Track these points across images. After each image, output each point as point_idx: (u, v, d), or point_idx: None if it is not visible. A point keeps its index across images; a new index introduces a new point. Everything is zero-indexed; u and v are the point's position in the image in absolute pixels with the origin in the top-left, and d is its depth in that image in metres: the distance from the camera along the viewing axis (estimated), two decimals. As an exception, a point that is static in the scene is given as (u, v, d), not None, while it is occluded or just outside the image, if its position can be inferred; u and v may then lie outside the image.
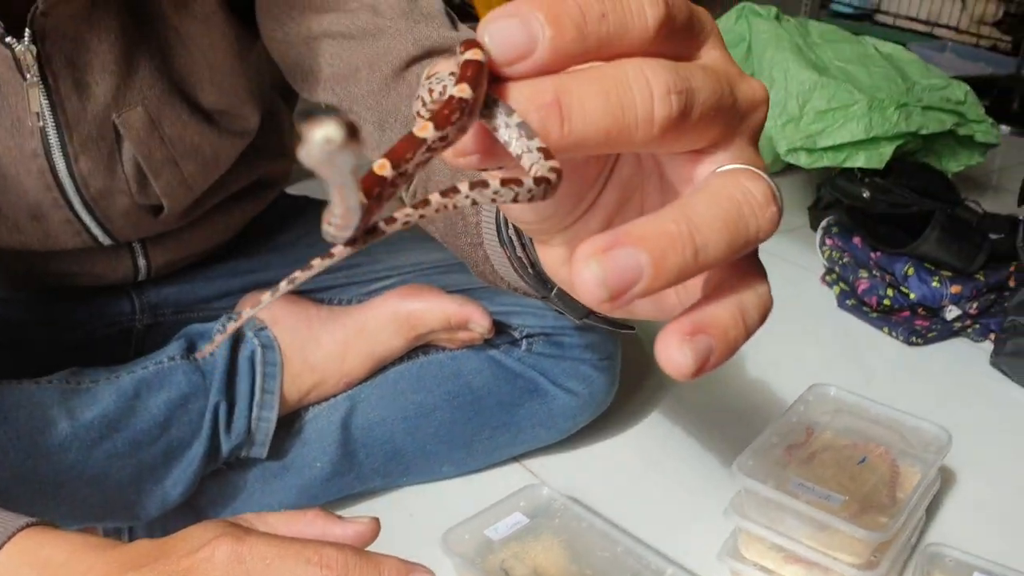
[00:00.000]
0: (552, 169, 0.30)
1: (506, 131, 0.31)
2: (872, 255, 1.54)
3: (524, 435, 1.10)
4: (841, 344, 1.49)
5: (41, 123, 0.81)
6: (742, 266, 0.35)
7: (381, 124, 0.81)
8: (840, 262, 1.60)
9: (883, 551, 0.91)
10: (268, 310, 1.03)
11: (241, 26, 0.89)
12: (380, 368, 1.04)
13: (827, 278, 1.63)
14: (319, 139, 0.28)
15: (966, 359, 1.46)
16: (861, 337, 1.51)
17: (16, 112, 0.81)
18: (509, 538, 0.98)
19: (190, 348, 0.98)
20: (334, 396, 1.03)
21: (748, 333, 0.34)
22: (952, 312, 1.47)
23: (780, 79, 1.67)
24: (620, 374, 1.17)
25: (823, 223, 1.67)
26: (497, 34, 0.30)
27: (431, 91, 0.34)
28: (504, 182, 0.31)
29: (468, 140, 0.32)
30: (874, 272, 1.54)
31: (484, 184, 0.31)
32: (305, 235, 1.15)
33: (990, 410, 1.34)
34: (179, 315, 1.07)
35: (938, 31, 3.34)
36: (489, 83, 0.31)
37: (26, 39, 0.77)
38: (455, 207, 0.32)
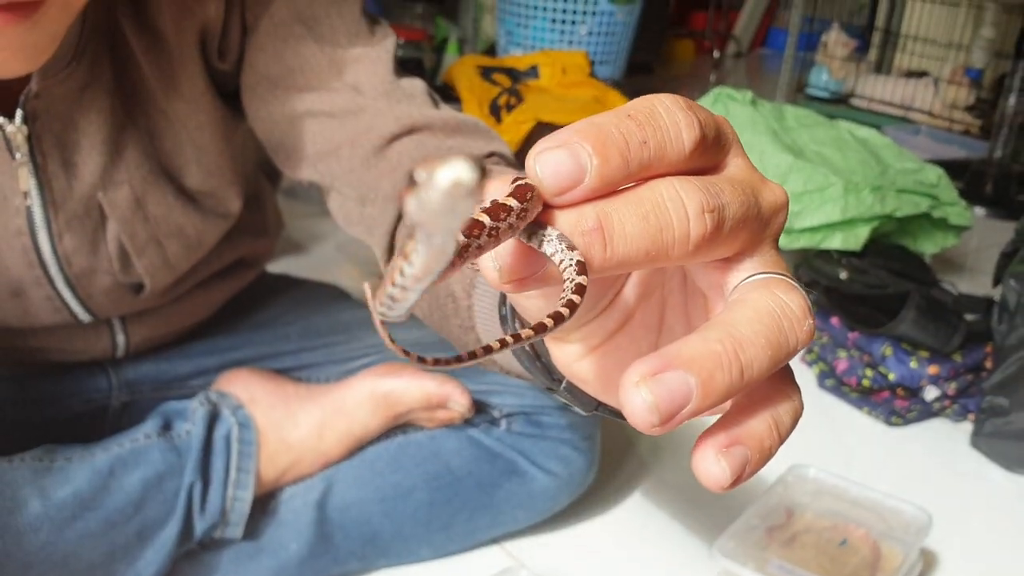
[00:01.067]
0: (578, 286, 0.30)
1: (549, 245, 0.31)
2: (850, 335, 1.55)
3: (503, 517, 1.09)
4: (821, 424, 1.49)
5: (28, 202, 0.81)
6: (776, 375, 0.35)
7: (362, 200, 0.82)
8: (819, 342, 1.61)
9: (865, 635, 0.90)
10: (246, 388, 1.03)
11: (227, 107, 0.90)
12: (358, 447, 1.03)
13: (807, 358, 1.64)
14: (446, 183, 0.24)
15: (946, 439, 1.46)
16: (841, 417, 1.51)
17: (3, 191, 0.81)
18: (487, 622, 0.96)
19: (166, 426, 0.97)
20: (311, 476, 1.02)
21: (781, 441, 0.34)
22: (931, 392, 1.48)
23: (757, 162, 1.69)
24: (601, 455, 1.17)
25: (801, 303, 1.68)
26: (548, 166, 0.31)
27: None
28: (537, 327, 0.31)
29: (516, 262, 0.32)
30: (852, 352, 1.55)
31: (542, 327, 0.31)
32: (284, 314, 1.15)
33: (971, 491, 1.34)
34: (156, 392, 1.06)
35: (912, 115, 3.42)
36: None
37: (17, 119, 0.78)
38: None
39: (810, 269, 1.71)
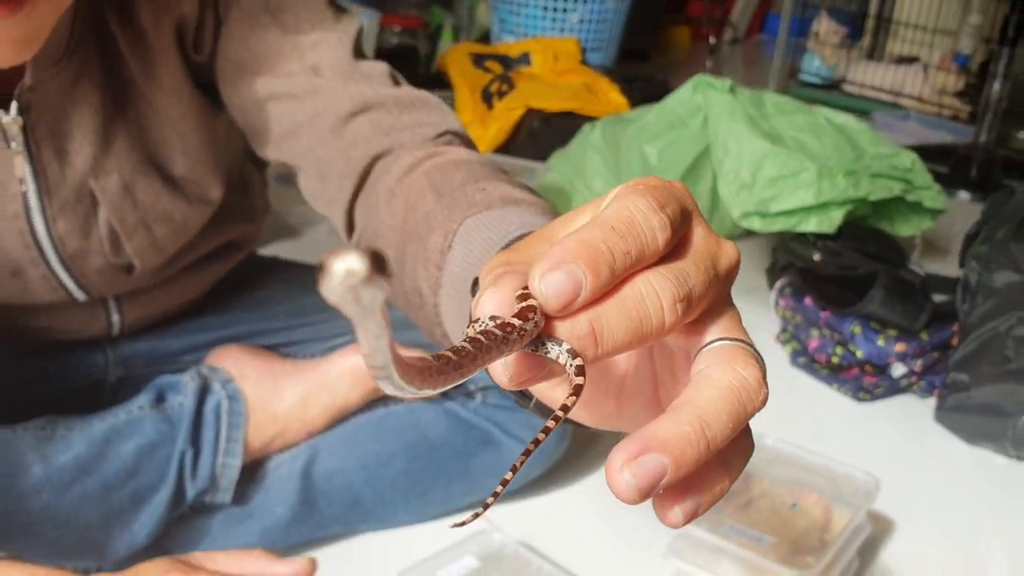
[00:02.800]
0: (578, 386, 0.37)
1: (552, 352, 0.37)
2: (822, 314, 1.61)
3: (479, 484, 1.15)
4: (793, 400, 1.55)
5: (24, 188, 0.88)
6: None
7: (321, 177, 0.86)
8: (793, 322, 1.67)
9: (812, 591, 0.96)
10: (235, 364, 1.09)
11: (207, 98, 0.96)
12: (340, 418, 1.10)
13: (780, 337, 1.70)
14: (340, 273, 0.27)
15: (912, 414, 1.52)
16: (812, 393, 1.57)
17: (0, 178, 0.87)
18: (460, 581, 1.03)
19: (159, 399, 1.03)
20: (296, 445, 1.08)
21: (729, 478, 0.40)
22: (898, 369, 1.54)
23: (734, 148, 1.76)
24: (575, 429, 1.23)
25: (777, 284, 1.75)
26: (551, 288, 0.37)
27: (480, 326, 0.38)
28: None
29: (522, 369, 0.38)
30: (824, 331, 1.61)
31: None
32: (272, 294, 1.21)
33: (933, 463, 1.40)
34: (150, 368, 1.12)
35: (902, 100, 3.46)
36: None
37: (13, 111, 0.84)
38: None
39: (786, 251, 1.77)
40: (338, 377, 1.08)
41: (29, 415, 0.96)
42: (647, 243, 0.38)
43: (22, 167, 0.87)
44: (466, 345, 0.36)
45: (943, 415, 1.47)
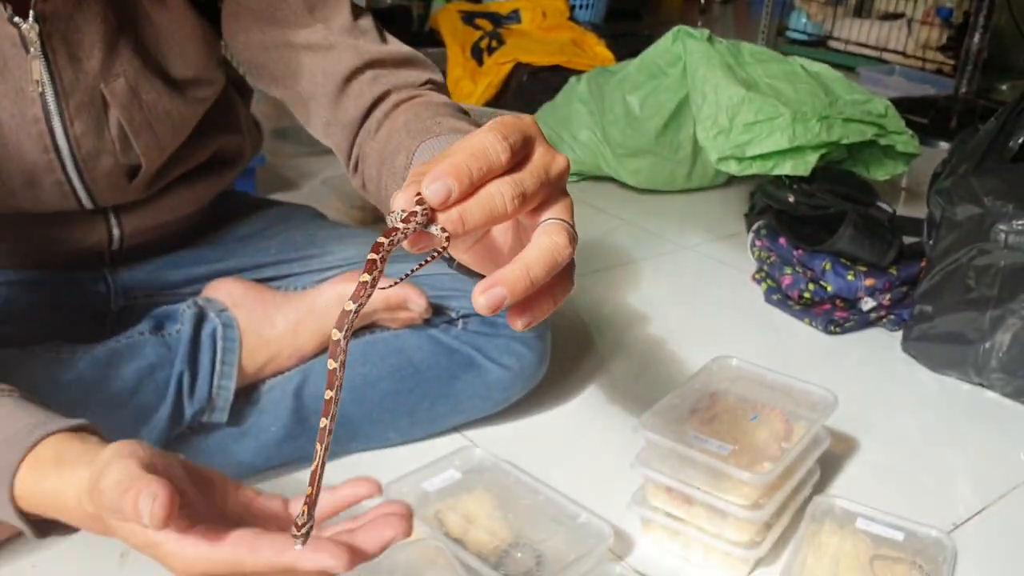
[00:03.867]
0: (444, 248, 0.56)
1: (435, 229, 0.56)
2: (795, 253, 1.67)
3: (462, 405, 1.22)
4: (766, 335, 1.62)
5: (41, 90, 0.96)
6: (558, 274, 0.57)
7: (327, 124, 1.00)
8: (768, 261, 1.73)
9: (770, 495, 1.03)
10: (229, 295, 1.16)
11: (204, 18, 1.05)
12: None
13: (756, 276, 1.76)
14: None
15: (880, 346, 1.59)
16: (785, 328, 1.63)
17: (19, 83, 0.95)
18: (443, 491, 1.09)
19: (158, 326, 1.10)
20: (288, 369, 1.15)
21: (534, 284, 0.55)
22: (868, 303, 1.60)
23: (711, 94, 1.81)
24: (560, 354, 1.30)
25: (754, 227, 1.81)
26: (432, 193, 0.54)
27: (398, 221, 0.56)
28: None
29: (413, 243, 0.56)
30: (797, 268, 1.67)
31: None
32: (265, 229, 1.27)
33: (896, 389, 1.47)
34: (149, 299, 1.18)
35: (887, 55, 3.51)
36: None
37: (30, 19, 0.93)
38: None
39: (763, 194, 1.83)
40: (326, 305, 1.15)
41: (37, 342, 1.03)
42: (494, 162, 0.56)
43: (40, 71, 0.95)
44: (382, 241, 0.56)
45: (909, 345, 1.54)
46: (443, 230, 0.55)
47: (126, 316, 1.17)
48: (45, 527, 0.70)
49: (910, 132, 1.94)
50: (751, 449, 1.06)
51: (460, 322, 1.21)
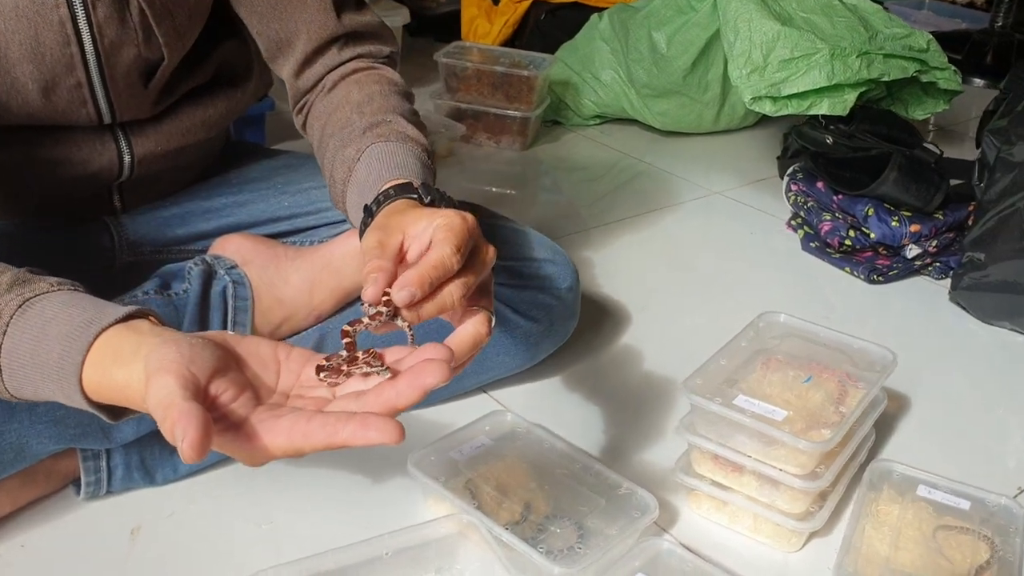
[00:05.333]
0: (412, 337, 0.72)
1: (401, 323, 0.70)
2: (835, 198, 1.58)
3: (489, 362, 1.14)
4: (804, 284, 1.54)
5: None
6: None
7: (292, 71, 1.04)
8: (804, 207, 1.64)
9: (827, 463, 0.96)
10: (238, 251, 1.07)
11: None
12: (348, 302, 1.08)
13: (792, 223, 1.67)
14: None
15: (926, 296, 1.50)
16: (824, 277, 1.55)
17: None
18: (474, 460, 1.02)
19: (164, 286, 1.02)
20: (304, 329, 1.07)
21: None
22: (912, 251, 1.52)
23: (744, 29, 1.70)
24: (587, 313, 1.22)
25: (789, 170, 1.71)
26: (401, 298, 0.67)
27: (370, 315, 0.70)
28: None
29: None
30: (836, 214, 1.58)
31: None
32: (276, 179, 1.19)
33: (947, 342, 1.39)
34: (156, 255, 1.10)
35: (916, -11, 3.37)
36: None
37: None
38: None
39: (798, 136, 1.73)
40: (343, 259, 1.06)
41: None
42: (449, 271, 0.70)
43: None
44: (348, 329, 0.71)
45: (958, 295, 1.45)
46: (409, 325, 0.70)
47: (131, 274, 1.09)
48: (118, 411, 0.69)
49: (952, 68, 1.83)
50: (806, 413, 0.98)
51: (487, 275, 1.14)
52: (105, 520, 0.96)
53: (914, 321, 1.44)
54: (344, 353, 0.68)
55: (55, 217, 1.06)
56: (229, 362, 0.65)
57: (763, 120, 2.16)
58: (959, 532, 0.97)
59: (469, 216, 0.74)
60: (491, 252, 0.75)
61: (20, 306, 0.68)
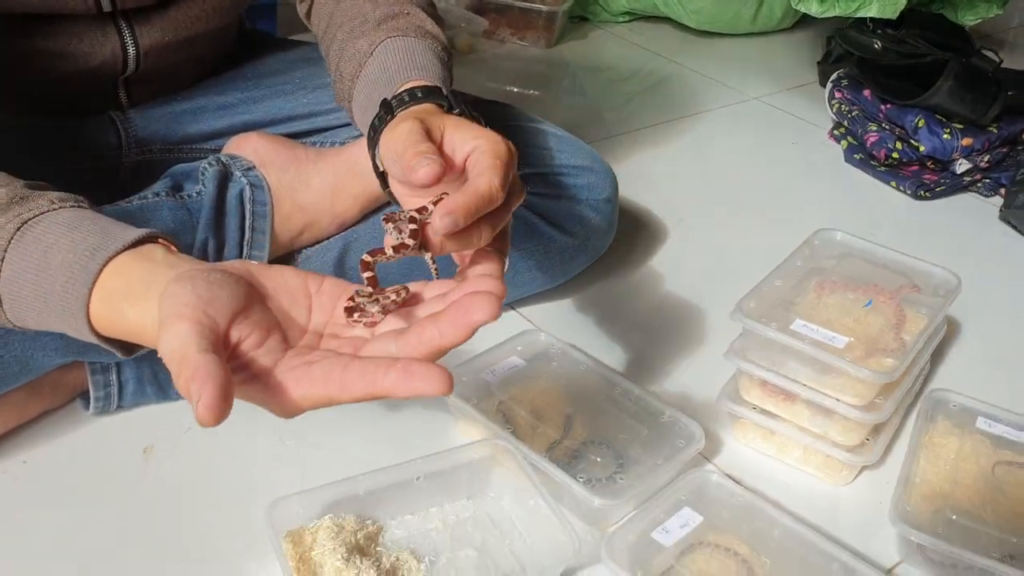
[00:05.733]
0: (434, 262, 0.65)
1: (428, 259, 0.63)
2: (882, 107, 1.49)
3: (520, 278, 1.07)
4: (847, 198, 1.46)
5: None
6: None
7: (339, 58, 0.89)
8: (849, 116, 1.55)
9: (886, 394, 0.89)
10: (255, 152, 0.99)
11: None
12: (373, 208, 1.01)
13: (835, 132, 1.58)
14: None
15: (975, 213, 1.43)
16: (868, 191, 1.47)
17: None
18: (506, 381, 0.96)
19: (176, 187, 0.94)
20: (327, 238, 1.00)
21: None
22: (962, 165, 1.43)
23: (793, -78, 1.59)
24: (620, 225, 1.15)
25: (832, 76, 1.62)
26: (442, 224, 0.58)
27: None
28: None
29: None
30: (883, 125, 1.49)
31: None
32: (293, 73, 1.10)
33: (998, 263, 1.32)
34: (166, 154, 1.03)
35: None
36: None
37: None
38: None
39: (843, 40, 1.63)
40: (369, 162, 0.98)
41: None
42: (492, 205, 0.62)
43: None
44: (369, 260, 0.61)
45: (1011, 213, 1.37)
46: (431, 256, 0.63)
47: (139, 174, 1.01)
48: (131, 346, 0.62)
49: (1010, -31, 1.72)
50: (865, 340, 0.91)
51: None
52: (115, 437, 0.91)
53: (962, 241, 1.36)
54: (369, 289, 0.59)
55: (57, 115, 0.98)
56: (253, 299, 0.56)
57: (800, 22, 2.04)
58: (1020, 468, 0.91)
59: (511, 144, 0.66)
60: (522, 192, 0.68)
61: (19, 228, 0.60)
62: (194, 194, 0.94)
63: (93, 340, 0.60)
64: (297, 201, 0.98)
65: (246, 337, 0.54)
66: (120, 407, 0.92)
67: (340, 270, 0.99)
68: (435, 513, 0.86)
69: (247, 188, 0.96)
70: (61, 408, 0.93)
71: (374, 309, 0.57)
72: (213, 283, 0.54)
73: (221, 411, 0.48)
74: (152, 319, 0.54)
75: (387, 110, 0.74)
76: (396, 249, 0.60)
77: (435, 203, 0.62)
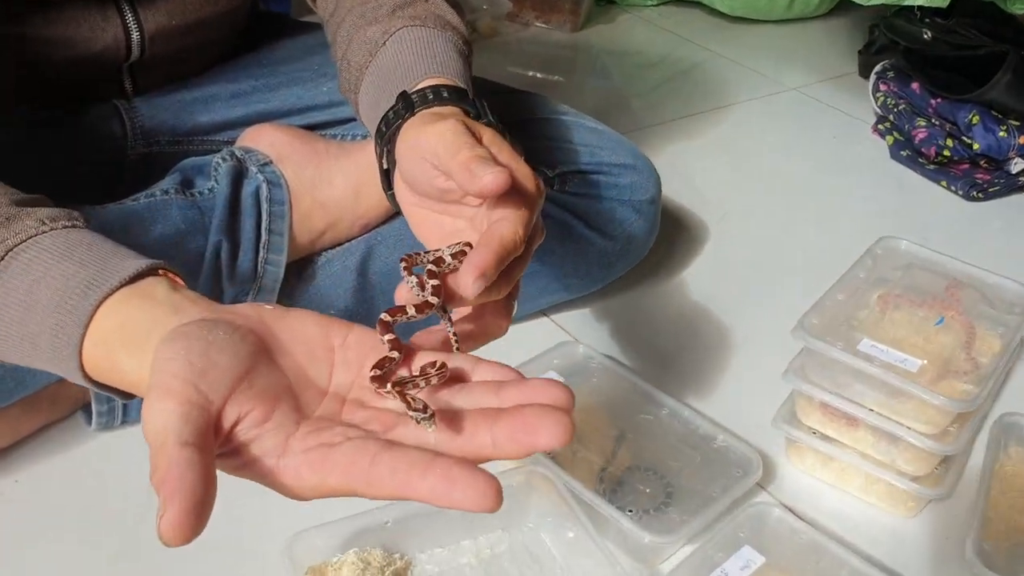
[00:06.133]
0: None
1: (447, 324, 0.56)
2: (932, 102, 1.41)
3: (555, 285, 1.00)
4: (894, 199, 1.38)
5: None
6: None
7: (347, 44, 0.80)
8: (895, 110, 1.47)
9: (961, 422, 0.82)
10: (272, 145, 0.92)
11: None
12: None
13: (880, 127, 1.50)
14: None
15: (1030, 216, 1.35)
16: (916, 190, 1.39)
17: None
18: (542, 398, 0.89)
19: (186, 183, 0.87)
20: (349, 239, 0.93)
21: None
22: (1018, 165, 1.35)
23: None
24: (662, 223, 1.07)
25: (877, 68, 1.54)
26: (474, 287, 0.53)
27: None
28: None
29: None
30: (933, 120, 1.41)
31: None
32: (311, 60, 1.02)
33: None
34: (175, 147, 0.95)
35: None
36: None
37: None
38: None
39: (889, 29, 1.55)
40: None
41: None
42: (517, 252, 0.56)
43: None
44: (388, 320, 0.52)
45: (1070, 217, 1.29)
46: (450, 320, 0.56)
47: (146, 169, 0.94)
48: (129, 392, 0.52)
49: (1063, -43, 1.63)
50: (937, 361, 0.84)
51: (556, 180, 0.98)
52: (119, 457, 0.83)
53: (1019, 244, 1.28)
54: (402, 372, 0.49)
55: (57, 106, 0.90)
56: (259, 360, 0.46)
57: (838, 9, 1.96)
58: (1101, 502, 0.84)
59: (540, 183, 0.60)
60: (543, 233, 0.62)
61: (2, 258, 0.52)
62: (206, 191, 0.87)
63: (89, 387, 0.52)
64: (318, 199, 0.90)
65: (246, 414, 0.44)
66: (125, 422, 0.85)
67: (363, 276, 0.92)
68: (468, 546, 0.79)
69: (264, 185, 0.88)
70: (60, 422, 0.85)
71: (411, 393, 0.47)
72: (212, 345, 0.45)
73: (188, 529, 0.39)
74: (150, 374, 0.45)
75: (407, 105, 0.66)
76: (419, 309, 0.53)
77: (456, 254, 0.57)
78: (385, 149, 0.67)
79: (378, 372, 0.48)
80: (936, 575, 0.80)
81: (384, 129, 0.67)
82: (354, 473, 0.42)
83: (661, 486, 0.82)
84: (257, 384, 0.45)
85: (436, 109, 0.65)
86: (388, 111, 0.67)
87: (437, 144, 0.59)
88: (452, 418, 0.44)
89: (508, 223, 0.55)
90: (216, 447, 0.43)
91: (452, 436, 0.44)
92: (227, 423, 0.43)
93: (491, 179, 0.54)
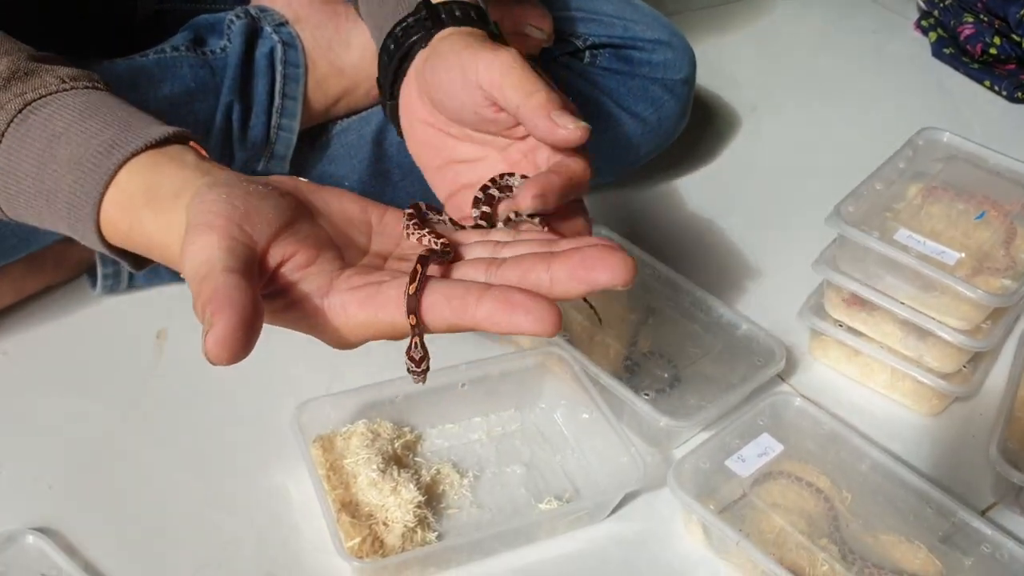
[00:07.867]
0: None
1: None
2: (981, -4, 1.35)
3: (584, 165, 0.96)
4: (936, 98, 1.32)
5: None
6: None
7: None
8: (941, 4, 1.40)
9: (995, 318, 0.79)
10: (288, 5, 0.87)
11: None
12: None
13: (923, 23, 1.44)
14: None
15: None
16: (957, 89, 1.33)
17: None
18: (561, 280, 0.86)
19: (198, 41, 0.83)
20: (366, 107, 0.89)
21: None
22: (1066, 66, 1.30)
23: None
24: (694, 106, 1.03)
25: (924, -41, 1.46)
26: (531, 204, 0.48)
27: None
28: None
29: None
30: (981, 16, 1.35)
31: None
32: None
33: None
34: (188, 3, 0.91)
35: None
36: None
37: None
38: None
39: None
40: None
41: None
42: (582, 190, 0.52)
43: None
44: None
45: (1119, 122, 1.24)
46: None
47: (156, 26, 0.89)
48: (143, 259, 0.50)
49: None
50: (975, 256, 0.80)
51: (587, 54, 0.93)
52: (124, 320, 0.81)
53: (1062, 149, 1.23)
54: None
55: None
56: (300, 215, 0.44)
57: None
58: None
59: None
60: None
61: (20, 111, 0.48)
62: (218, 50, 0.83)
63: (101, 250, 0.49)
64: (335, 63, 0.86)
65: (291, 256, 0.42)
66: (131, 286, 0.83)
67: (379, 146, 0.88)
68: (479, 423, 0.78)
69: (278, 47, 0.84)
70: (65, 285, 0.83)
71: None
72: (253, 194, 0.43)
73: (237, 346, 0.37)
74: (178, 234, 0.43)
75: (433, 17, 0.59)
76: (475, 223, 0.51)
77: (500, 178, 0.53)
78: (396, 56, 0.61)
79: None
80: (959, 472, 0.78)
81: (400, 35, 0.61)
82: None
83: (679, 371, 0.79)
84: (299, 233, 0.43)
85: (468, 29, 0.59)
86: (408, 16, 0.61)
87: (502, 78, 0.53)
88: (504, 261, 0.42)
89: (580, 164, 0.51)
90: (261, 286, 0.40)
91: (505, 272, 0.41)
92: (272, 263, 0.41)
93: (574, 131, 0.49)
